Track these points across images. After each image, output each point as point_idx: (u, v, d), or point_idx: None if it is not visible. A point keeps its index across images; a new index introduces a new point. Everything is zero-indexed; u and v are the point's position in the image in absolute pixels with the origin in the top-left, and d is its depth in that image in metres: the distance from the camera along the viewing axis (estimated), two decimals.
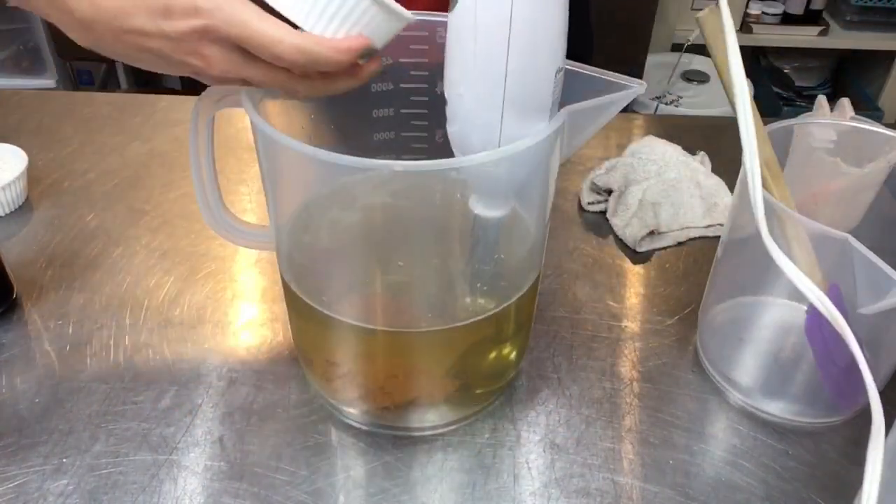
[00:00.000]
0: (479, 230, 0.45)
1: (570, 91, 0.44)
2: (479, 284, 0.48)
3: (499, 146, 0.41)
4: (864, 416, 0.54)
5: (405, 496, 0.49)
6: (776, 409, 0.54)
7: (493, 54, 0.38)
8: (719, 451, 0.52)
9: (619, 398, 0.55)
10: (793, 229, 0.47)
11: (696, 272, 0.67)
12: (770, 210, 0.48)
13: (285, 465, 0.50)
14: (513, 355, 0.55)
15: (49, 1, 0.40)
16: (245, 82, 0.41)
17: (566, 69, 0.44)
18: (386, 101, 0.53)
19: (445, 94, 0.41)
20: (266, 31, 0.38)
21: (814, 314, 0.48)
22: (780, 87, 2.19)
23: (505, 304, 0.48)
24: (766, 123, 0.49)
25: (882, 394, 0.54)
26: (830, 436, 0.53)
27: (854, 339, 0.42)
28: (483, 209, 0.44)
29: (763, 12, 2.10)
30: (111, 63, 2.05)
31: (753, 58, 2.30)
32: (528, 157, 0.41)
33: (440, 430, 0.53)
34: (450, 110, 0.41)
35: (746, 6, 2.10)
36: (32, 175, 0.76)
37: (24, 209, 0.72)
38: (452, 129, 0.42)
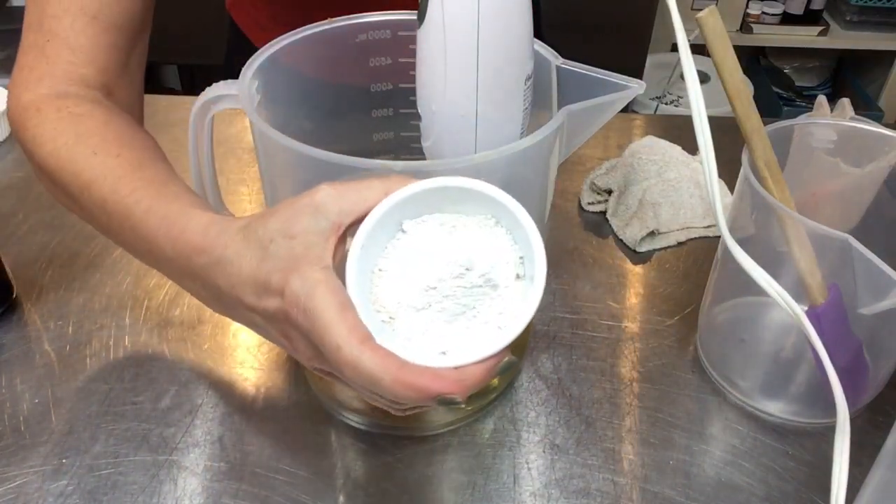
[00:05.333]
0: None
1: (569, 91, 0.44)
2: None
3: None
4: (865, 416, 0.54)
5: (405, 496, 0.49)
6: (776, 409, 0.54)
7: (463, 69, 0.38)
8: (719, 451, 0.52)
9: (618, 399, 0.55)
10: (793, 229, 0.47)
11: (696, 272, 0.67)
12: (770, 210, 0.48)
13: (285, 465, 0.50)
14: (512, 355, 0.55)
15: (192, 278, 0.41)
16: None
17: (565, 69, 0.45)
18: (385, 102, 0.53)
19: (419, 110, 0.41)
20: (331, 334, 0.32)
21: (813, 314, 0.48)
22: (780, 87, 2.19)
23: None
24: (766, 123, 0.48)
25: (882, 394, 0.54)
26: (830, 436, 0.52)
27: (818, 339, 0.43)
28: None
29: (763, 12, 2.10)
30: None
31: (753, 58, 2.30)
32: (515, 160, 0.41)
33: (440, 431, 0.53)
34: (424, 126, 0.42)
35: (746, 6, 2.10)
36: (34, 174, 0.76)
37: (24, 209, 0.72)
38: (427, 143, 0.42)
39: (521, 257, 0.36)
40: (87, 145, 0.46)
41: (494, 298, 0.35)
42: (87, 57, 0.51)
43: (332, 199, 0.35)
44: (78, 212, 0.49)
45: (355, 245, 0.34)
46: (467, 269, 0.34)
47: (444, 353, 0.34)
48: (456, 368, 0.33)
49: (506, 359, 0.34)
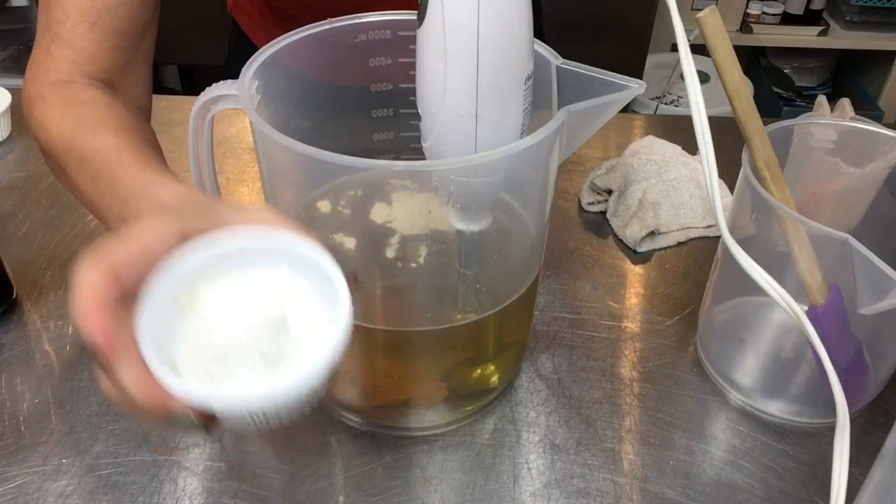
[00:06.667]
0: (462, 241, 0.45)
1: (569, 91, 0.44)
2: (478, 285, 0.48)
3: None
4: (865, 416, 0.54)
5: (405, 496, 0.49)
6: (776, 409, 0.54)
7: (462, 69, 0.38)
8: (719, 451, 0.52)
9: (618, 399, 0.55)
10: (793, 229, 0.47)
11: (696, 272, 0.67)
12: (770, 210, 0.48)
13: (285, 465, 0.50)
14: (512, 355, 0.55)
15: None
16: None
17: (566, 69, 0.45)
18: (385, 101, 0.53)
19: (419, 110, 0.41)
20: (79, 275, 0.32)
21: (814, 314, 0.48)
22: (780, 87, 2.19)
23: (504, 304, 0.48)
24: (766, 123, 0.48)
25: (882, 394, 0.54)
26: (830, 436, 0.52)
27: (818, 339, 0.43)
28: (461, 224, 0.44)
29: (763, 12, 2.09)
30: None
31: (753, 58, 2.30)
32: (515, 160, 0.41)
33: (440, 431, 0.53)
34: (424, 126, 0.42)
35: (746, 6, 2.10)
36: (34, 174, 0.76)
37: (24, 209, 0.72)
38: (427, 143, 0.42)
39: (324, 300, 0.35)
40: (87, 126, 0.48)
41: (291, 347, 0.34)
42: (90, 58, 0.53)
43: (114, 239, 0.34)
44: (73, 189, 0.50)
45: (139, 329, 0.32)
46: (263, 333, 0.33)
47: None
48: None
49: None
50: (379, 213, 0.49)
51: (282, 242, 0.35)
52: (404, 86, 0.51)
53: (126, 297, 0.33)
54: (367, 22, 0.50)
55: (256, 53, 0.46)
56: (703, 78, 2.03)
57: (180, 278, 0.34)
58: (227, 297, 0.35)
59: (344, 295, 0.34)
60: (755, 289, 0.44)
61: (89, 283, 0.31)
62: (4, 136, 0.82)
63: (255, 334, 0.33)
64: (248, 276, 0.36)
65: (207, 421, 0.32)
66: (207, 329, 0.34)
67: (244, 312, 0.34)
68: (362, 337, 0.48)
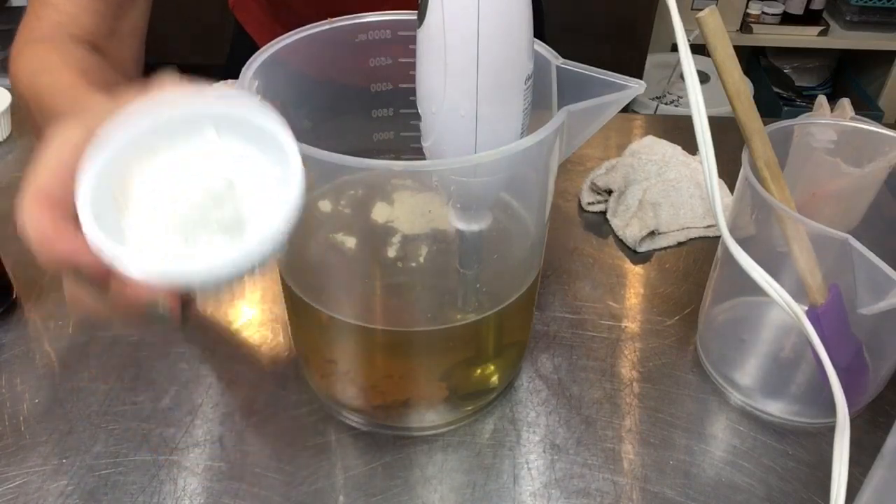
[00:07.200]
0: (462, 241, 0.45)
1: (569, 91, 0.44)
2: (478, 285, 0.48)
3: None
4: (865, 416, 0.54)
5: (405, 496, 0.49)
6: (776, 409, 0.54)
7: (463, 69, 0.38)
8: (719, 451, 0.52)
9: (619, 398, 0.55)
10: (793, 229, 0.47)
11: (696, 272, 0.67)
12: (770, 210, 0.48)
13: (285, 465, 0.50)
14: (512, 355, 0.55)
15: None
16: None
17: (566, 69, 0.45)
18: (385, 101, 0.53)
19: (419, 110, 0.41)
20: (23, 217, 0.32)
21: (814, 314, 0.48)
22: (780, 87, 2.19)
23: (504, 304, 0.48)
24: (766, 123, 0.48)
25: (882, 394, 0.54)
26: (830, 436, 0.52)
27: (818, 339, 0.43)
28: (461, 224, 0.44)
29: (763, 12, 2.10)
30: None
31: (753, 58, 2.30)
32: (515, 160, 0.41)
33: (440, 430, 0.53)
34: (424, 126, 0.42)
35: (746, 6, 2.10)
36: None
37: None
38: (427, 143, 0.42)
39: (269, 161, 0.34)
40: (53, 69, 0.49)
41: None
42: (73, 20, 0.55)
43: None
44: (38, 135, 0.50)
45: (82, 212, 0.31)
46: (214, 204, 0.32)
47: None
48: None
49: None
50: (380, 213, 0.49)
51: (199, 105, 0.34)
52: (404, 86, 0.51)
53: (67, 214, 0.33)
54: (367, 22, 0.50)
55: (256, 53, 0.46)
56: (703, 78, 2.03)
57: (106, 175, 0.33)
58: (162, 178, 0.33)
59: (291, 145, 0.33)
60: (755, 289, 0.45)
61: (35, 224, 0.32)
62: (4, 136, 0.82)
63: (206, 207, 0.32)
64: (177, 150, 0.34)
65: (182, 300, 0.32)
66: (153, 214, 0.32)
67: (186, 188, 0.33)
68: (362, 337, 0.48)
